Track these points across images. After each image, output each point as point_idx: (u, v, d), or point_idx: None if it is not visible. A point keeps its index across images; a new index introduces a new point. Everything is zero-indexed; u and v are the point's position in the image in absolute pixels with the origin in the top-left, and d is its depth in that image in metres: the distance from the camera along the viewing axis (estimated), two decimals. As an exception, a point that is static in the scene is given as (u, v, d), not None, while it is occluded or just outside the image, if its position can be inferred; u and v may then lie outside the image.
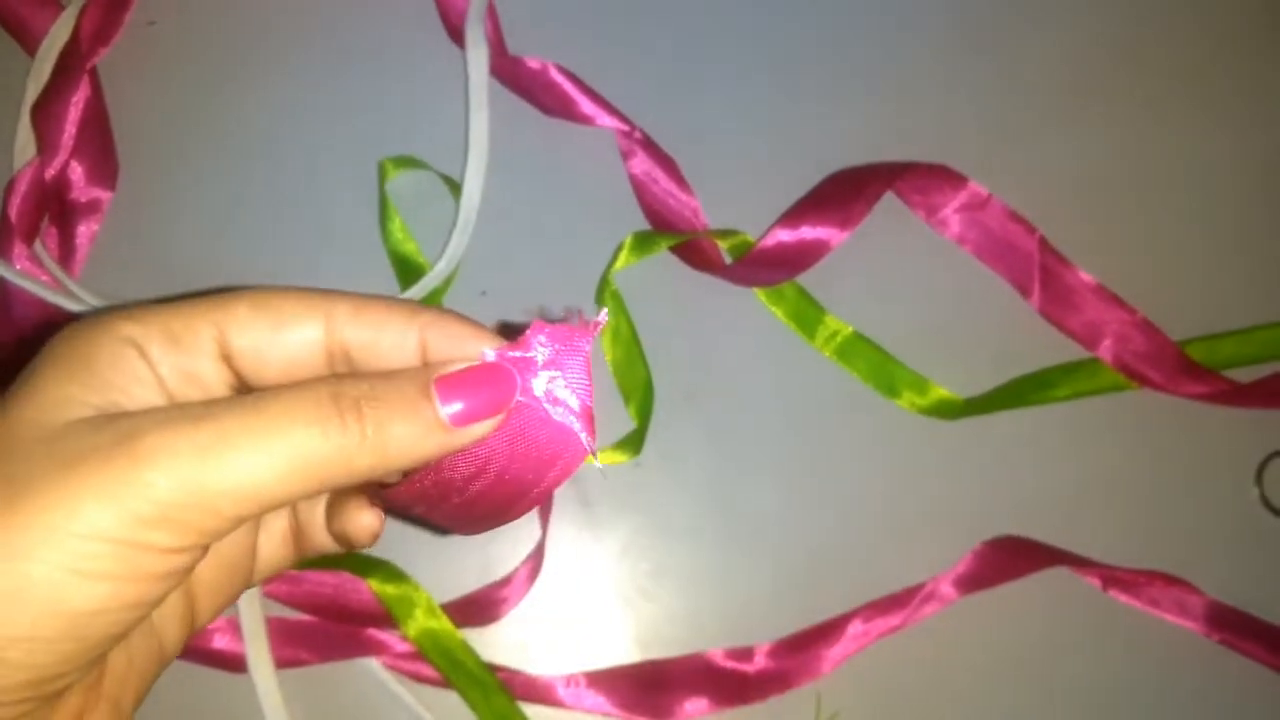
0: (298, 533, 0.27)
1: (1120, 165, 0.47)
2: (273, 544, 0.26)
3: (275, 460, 0.20)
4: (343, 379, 0.21)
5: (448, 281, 0.45)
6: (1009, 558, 0.44)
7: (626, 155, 0.46)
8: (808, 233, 0.45)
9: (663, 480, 0.45)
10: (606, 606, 0.44)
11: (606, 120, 0.46)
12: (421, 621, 0.43)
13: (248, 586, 0.26)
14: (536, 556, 0.44)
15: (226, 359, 0.23)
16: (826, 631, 0.44)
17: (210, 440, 0.20)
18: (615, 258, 0.45)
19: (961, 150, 0.46)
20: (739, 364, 0.46)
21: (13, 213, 0.44)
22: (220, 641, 0.43)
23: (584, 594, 0.44)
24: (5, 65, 0.47)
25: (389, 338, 0.23)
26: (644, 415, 0.44)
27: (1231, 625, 0.44)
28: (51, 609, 0.19)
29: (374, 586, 0.43)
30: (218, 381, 0.23)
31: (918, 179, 0.45)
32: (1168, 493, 0.45)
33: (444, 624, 0.43)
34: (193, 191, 0.47)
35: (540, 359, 0.22)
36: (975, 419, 0.45)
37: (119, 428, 0.20)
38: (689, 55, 0.48)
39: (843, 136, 0.47)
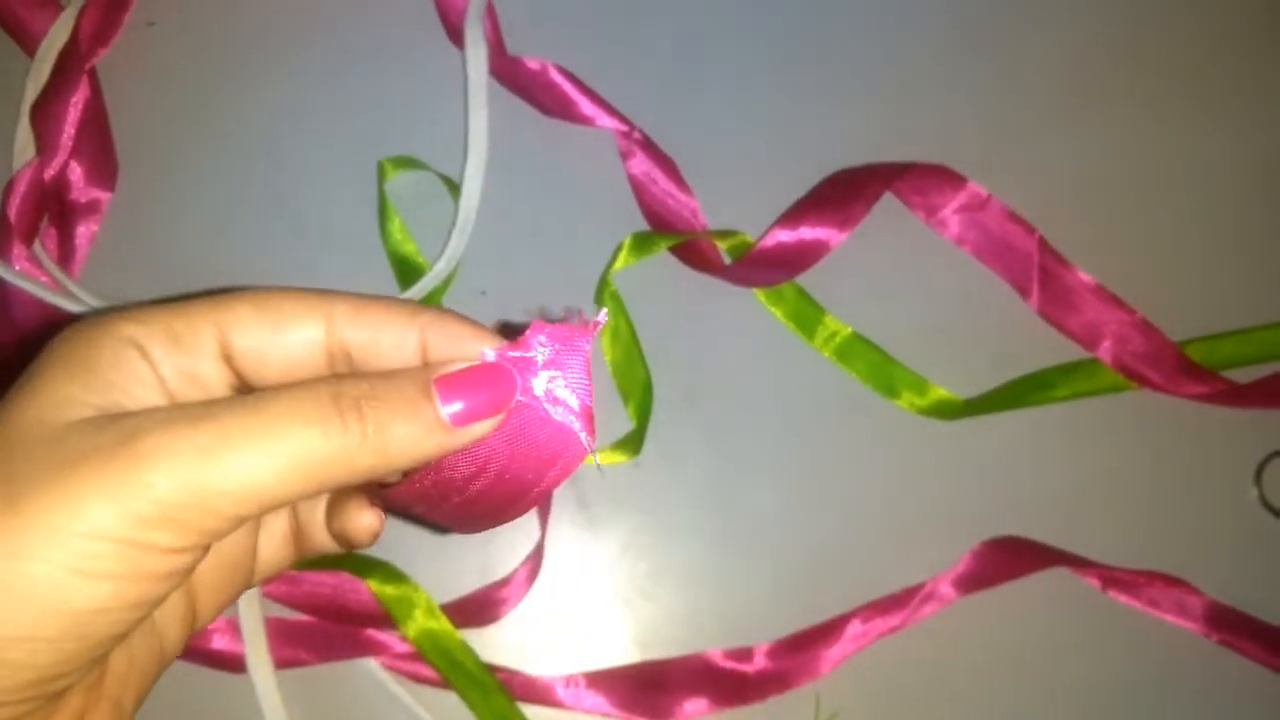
0: (298, 533, 0.27)
1: (1120, 165, 0.47)
2: (273, 544, 0.26)
3: (276, 460, 0.20)
4: (343, 379, 0.21)
5: (447, 281, 0.45)
6: (1008, 558, 0.44)
7: (626, 156, 0.46)
8: (807, 233, 0.45)
9: (662, 480, 0.45)
10: (606, 607, 0.44)
11: (606, 121, 0.46)
12: (421, 622, 0.43)
13: (248, 587, 0.27)
14: (536, 557, 0.44)
15: (227, 359, 0.23)
16: (826, 632, 0.44)
17: (210, 440, 0.20)
18: (614, 258, 0.45)
19: (961, 150, 0.46)
20: (738, 364, 0.46)
21: (12, 213, 0.44)
22: (220, 642, 0.43)
23: (583, 594, 0.44)
24: (4, 65, 0.47)
25: (389, 338, 0.23)
26: (643, 415, 0.44)
27: (1231, 625, 0.44)
28: (53, 608, 0.19)
29: (373, 587, 0.43)
30: (218, 382, 0.23)
31: (917, 179, 0.45)
32: (1167, 493, 0.45)
33: (443, 624, 0.43)
34: (192, 192, 0.47)
35: (540, 359, 0.22)
36: (974, 419, 0.45)
37: (120, 428, 0.20)
38: (688, 55, 0.48)
39: (842, 136, 0.47)
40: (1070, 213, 0.46)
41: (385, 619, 0.43)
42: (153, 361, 0.22)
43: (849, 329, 0.45)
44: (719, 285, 0.46)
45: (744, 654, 0.44)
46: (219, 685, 0.43)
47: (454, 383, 0.22)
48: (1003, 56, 0.48)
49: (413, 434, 0.21)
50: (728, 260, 0.46)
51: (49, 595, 0.19)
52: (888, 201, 0.46)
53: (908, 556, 0.44)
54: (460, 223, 0.45)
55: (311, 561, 0.43)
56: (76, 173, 0.46)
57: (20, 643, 0.19)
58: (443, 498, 0.24)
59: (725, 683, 0.43)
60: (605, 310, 0.23)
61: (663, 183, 0.46)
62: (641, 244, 0.45)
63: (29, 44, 0.47)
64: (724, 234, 0.46)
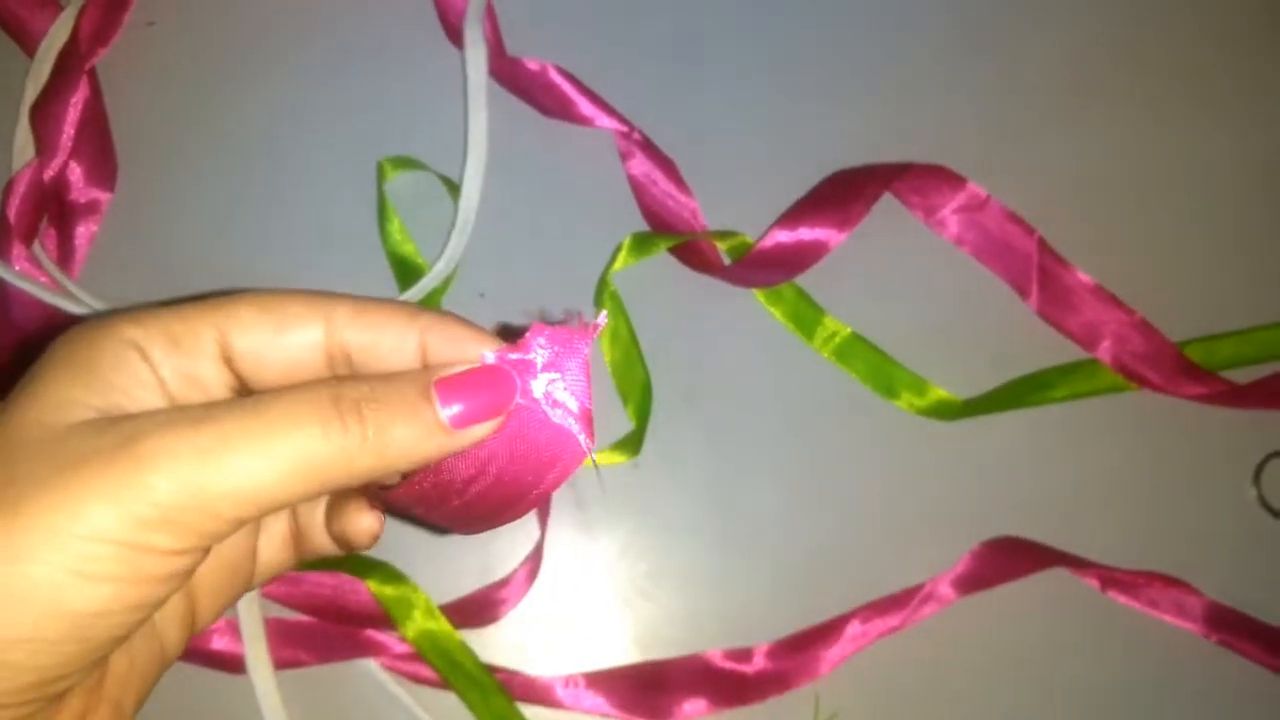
0: (298, 535, 0.27)
1: (1120, 165, 0.47)
2: (273, 546, 0.27)
3: (275, 462, 0.20)
4: (343, 381, 0.21)
5: (446, 282, 0.45)
6: (1008, 558, 0.44)
7: (625, 156, 0.46)
8: (806, 234, 0.45)
9: (661, 481, 0.45)
10: (605, 607, 0.44)
11: (605, 121, 0.46)
12: (420, 622, 0.43)
13: (248, 588, 0.27)
14: (535, 557, 0.44)
15: (228, 361, 0.23)
16: (825, 632, 0.44)
17: (210, 443, 0.20)
18: (614, 259, 0.45)
19: (961, 150, 0.46)
20: (737, 365, 0.46)
21: (11, 214, 0.44)
22: (219, 642, 0.43)
23: (582, 595, 0.44)
24: (4, 66, 0.47)
25: (389, 340, 0.23)
26: (642, 416, 0.44)
27: (1230, 626, 0.44)
28: (54, 610, 0.19)
29: (372, 588, 0.43)
30: (219, 384, 0.23)
31: (916, 180, 0.45)
32: (1166, 493, 0.45)
33: (442, 625, 0.43)
34: (191, 192, 0.47)
35: (539, 361, 0.22)
36: (974, 420, 0.45)
37: (121, 430, 0.20)
38: (688, 55, 0.48)
39: (842, 136, 0.47)
40: (1070, 213, 0.46)
41: (385, 620, 0.43)
42: (153, 363, 0.22)
43: (848, 329, 0.45)
44: (718, 286, 0.46)
45: (743, 654, 0.44)
46: (219, 686, 0.43)
47: (454, 385, 0.22)
48: (1003, 56, 0.48)
49: (412, 436, 0.21)
50: (727, 261, 0.46)
51: (50, 597, 0.19)
52: (887, 202, 0.46)
53: (907, 557, 0.44)
54: (460, 223, 0.45)
55: (311, 562, 0.43)
56: (76, 173, 0.46)
57: (21, 645, 0.19)
58: (442, 500, 0.24)
59: (725, 683, 0.44)
60: (605, 312, 0.23)
61: (662, 183, 0.46)
62: (641, 245, 0.45)
63: (29, 44, 0.47)
64: (723, 234, 0.46)
